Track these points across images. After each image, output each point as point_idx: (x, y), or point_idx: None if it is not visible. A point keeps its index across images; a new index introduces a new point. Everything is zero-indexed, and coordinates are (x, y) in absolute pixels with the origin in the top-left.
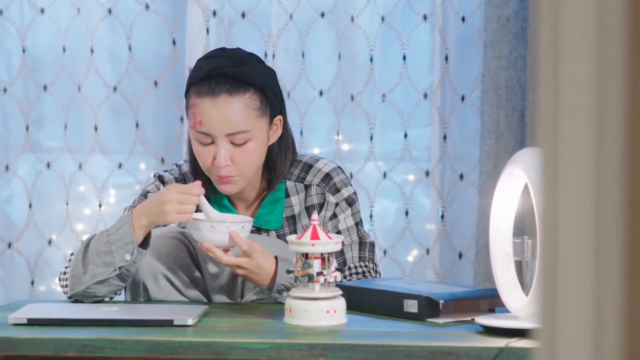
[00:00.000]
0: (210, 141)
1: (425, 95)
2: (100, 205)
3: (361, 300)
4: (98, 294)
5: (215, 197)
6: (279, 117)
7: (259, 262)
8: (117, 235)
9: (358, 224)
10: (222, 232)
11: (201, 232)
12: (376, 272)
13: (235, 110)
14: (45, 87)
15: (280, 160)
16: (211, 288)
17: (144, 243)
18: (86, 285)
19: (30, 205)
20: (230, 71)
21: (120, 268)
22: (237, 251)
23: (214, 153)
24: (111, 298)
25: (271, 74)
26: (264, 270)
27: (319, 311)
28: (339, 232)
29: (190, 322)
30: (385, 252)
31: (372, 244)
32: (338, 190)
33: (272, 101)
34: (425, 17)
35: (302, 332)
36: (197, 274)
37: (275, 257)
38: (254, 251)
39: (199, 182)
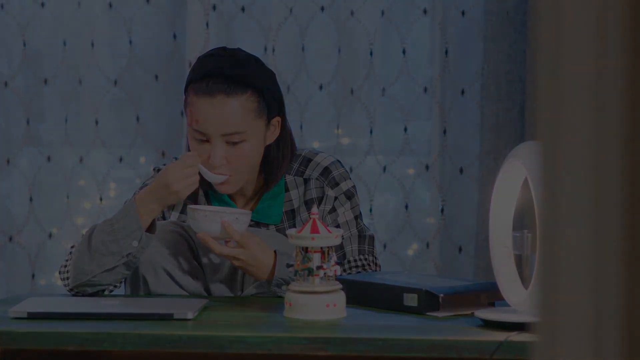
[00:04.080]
0: (206, 140)
1: (425, 89)
2: (100, 199)
3: (361, 294)
4: (103, 282)
5: (215, 192)
6: (277, 118)
7: (253, 254)
8: (121, 223)
9: (357, 217)
10: (215, 221)
11: (197, 221)
12: (376, 265)
13: (231, 111)
14: (45, 81)
15: (277, 161)
16: (211, 282)
17: (151, 228)
18: (92, 274)
19: (31, 199)
20: (229, 72)
21: (127, 255)
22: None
23: (209, 152)
24: (111, 291)
25: (270, 76)
26: (260, 263)
27: (319, 305)
28: (338, 226)
29: (190, 315)
30: (385, 246)
31: (372, 237)
32: (337, 184)
33: (270, 103)
34: (425, 11)
35: (302, 325)
36: (197, 267)
37: (275, 251)
38: (247, 242)
39: (192, 153)
